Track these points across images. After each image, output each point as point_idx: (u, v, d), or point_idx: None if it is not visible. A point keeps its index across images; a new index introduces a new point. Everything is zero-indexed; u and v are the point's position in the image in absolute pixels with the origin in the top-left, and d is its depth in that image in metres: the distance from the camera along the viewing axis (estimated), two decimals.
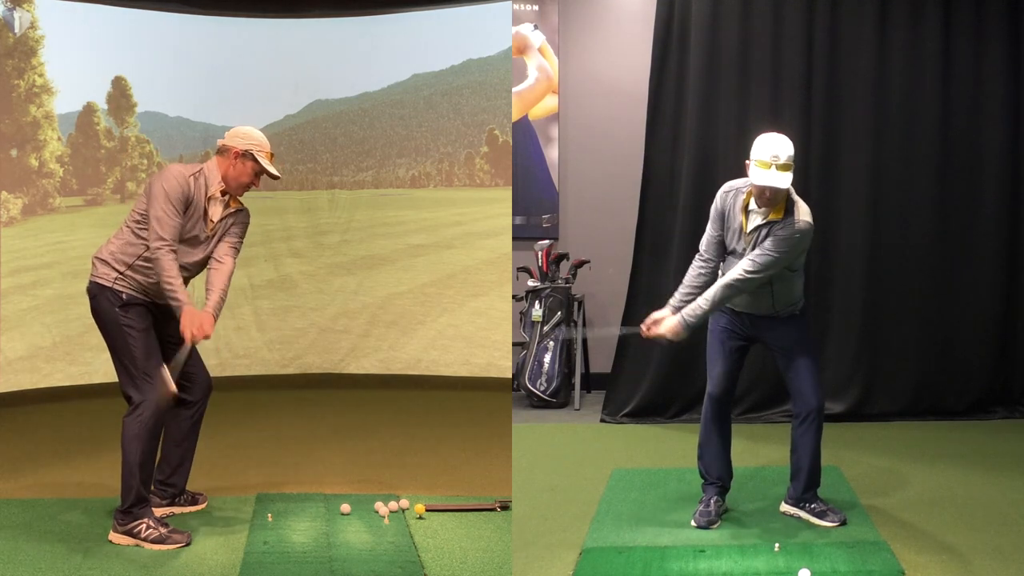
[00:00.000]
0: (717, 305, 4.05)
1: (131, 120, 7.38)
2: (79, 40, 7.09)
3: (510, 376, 7.01)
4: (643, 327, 4.16)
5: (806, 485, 4.24)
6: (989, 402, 6.36)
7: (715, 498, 4.28)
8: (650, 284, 6.25)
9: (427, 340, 7.51)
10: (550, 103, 7.39)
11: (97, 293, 3.95)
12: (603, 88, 7.32)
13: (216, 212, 4.01)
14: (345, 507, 4.29)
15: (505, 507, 4.36)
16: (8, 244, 6.81)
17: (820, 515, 4.22)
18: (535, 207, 7.41)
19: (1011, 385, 6.42)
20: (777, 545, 3.90)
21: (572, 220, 7.43)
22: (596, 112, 7.34)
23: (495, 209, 7.61)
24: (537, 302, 7.02)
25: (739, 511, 4.39)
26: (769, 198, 3.95)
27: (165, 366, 3.96)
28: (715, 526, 4.19)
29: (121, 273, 3.93)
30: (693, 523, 4.20)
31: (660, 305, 4.19)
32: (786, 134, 4.00)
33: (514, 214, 7.28)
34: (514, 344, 7.11)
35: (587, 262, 7.10)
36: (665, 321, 4.09)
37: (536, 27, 7.31)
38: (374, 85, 7.76)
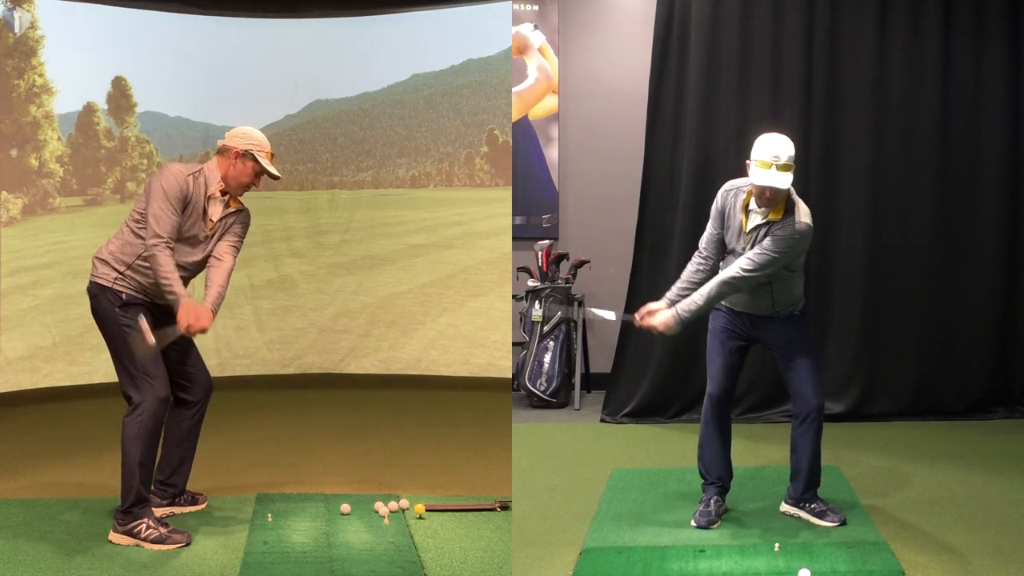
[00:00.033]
0: (712, 302, 4.06)
1: (131, 120, 7.38)
2: (79, 40, 7.09)
3: (510, 376, 7.01)
4: (637, 316, 4.18)
5: (806, 485, 4.25)
6: (989, 402, 6.36)
7: (715, 498, 4.28)
8: (650, 284, 6.23)
9: (427, 340, 7.51)
10: (550, 103, 7.39)
11: (97, 293, 3.95)
12: (603, 88, 7.32)
13: (216, 212, 4.01)
14: (345, 507, 4.29)
15: (505, 507, 4.36)
16: (8, 244, 6.81)
17: (820, 515, 4.22)
18: (535, 207, 7.41)
19: (1011, 385, 6.42)
20: (777, 545, 3.90)
21: (572, 220, 7.43)
22: (596, 112, 7.34)
23: (495, 209, 7.62)
24: (537, 302, 7.02)
25: (739, 511, 4.39)
26: (769, 198, 3.95)
27: (164, 367, 3.96)
28: (715, 526, 4.19)
29: (121, 273, 3.93)
30: (693, 523, 4.20)
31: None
32: (786, 134, 4.00)
33: (514, 214, 7.28)
34: (514, 344, 7.11)
35: (587, 262, 7.10)
36: (659, 313, 4.11)
37: (536, 27, 7.31)
38: (374, 85, 7.76)
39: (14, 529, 4.04)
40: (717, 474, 4.32)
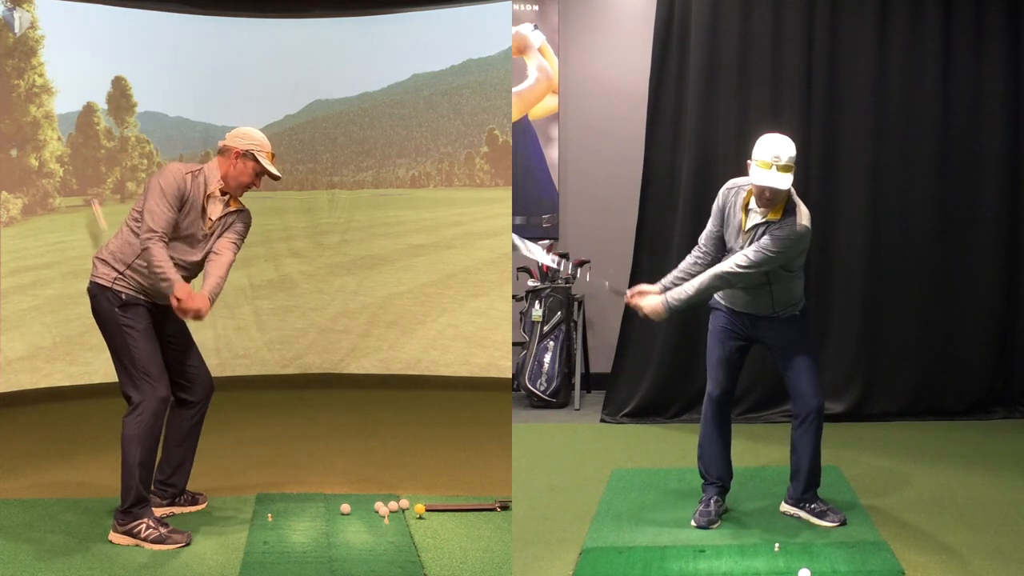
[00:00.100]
0: (703, 294, 4.06)
1: (131, 120, 7.38)
2: (79, 40, 7.09)
3: (510, 376, 7.01)
4: (627, 292, 4.20)
5: (806, 485, 4.25)
6: (989, 402, 6.36)
7: (715, 498, 4.28)
8: (650, 284, 6.23)
9: (427, 340, 7.51)
10: (550, 103, 7.39)
11: (97, 293, 3.95)
12: (603, 88, 7.32)
13: (215, 211, 4.01)
14: (345, 507, 4.29)
15: (505, 507, 4.35)
16: (8, 244, 6.81)
17: (820, 515, 4.22)
18: (535, 207, 7.41)
19: (1011, 385, 6.42)
20: (777, 545, 3.90)
21: (572, 220, 7.43)
22: (596, 112, 7.34)
23: (495, 209, 7.61)
24: (537, 302, 7.02)
25: (739, 511, 4.39)
26: (769, 198, 3.95)
27: (165, 367, 3.96)
28: (715, 526, 4.19)
29: (121, 273, 3.93)
30: (693, 523, 4.21)
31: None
32: (786, 134, 4.00)
33: (514, 214, 7.28)
34: (514, 344, 7.11)
35: (587, 262, 7.09)
36: (650, 297, 4.12)
37: (536, 27, 7.31)
38: (374, 85, 7.76)
39: (14, 529, 4.04)
40: (717, 474, 4.32)
